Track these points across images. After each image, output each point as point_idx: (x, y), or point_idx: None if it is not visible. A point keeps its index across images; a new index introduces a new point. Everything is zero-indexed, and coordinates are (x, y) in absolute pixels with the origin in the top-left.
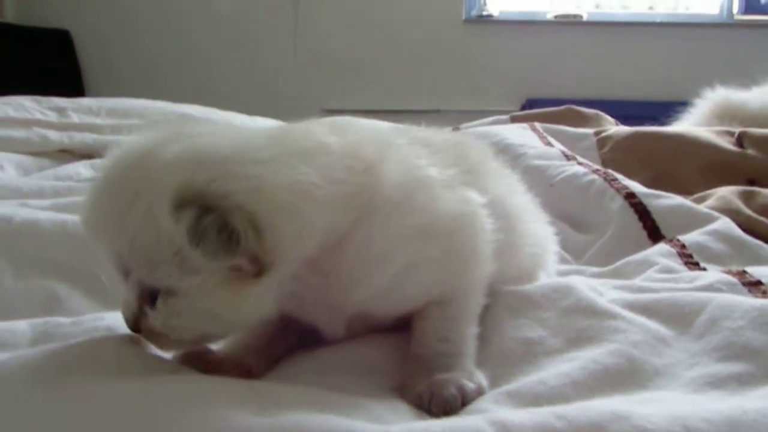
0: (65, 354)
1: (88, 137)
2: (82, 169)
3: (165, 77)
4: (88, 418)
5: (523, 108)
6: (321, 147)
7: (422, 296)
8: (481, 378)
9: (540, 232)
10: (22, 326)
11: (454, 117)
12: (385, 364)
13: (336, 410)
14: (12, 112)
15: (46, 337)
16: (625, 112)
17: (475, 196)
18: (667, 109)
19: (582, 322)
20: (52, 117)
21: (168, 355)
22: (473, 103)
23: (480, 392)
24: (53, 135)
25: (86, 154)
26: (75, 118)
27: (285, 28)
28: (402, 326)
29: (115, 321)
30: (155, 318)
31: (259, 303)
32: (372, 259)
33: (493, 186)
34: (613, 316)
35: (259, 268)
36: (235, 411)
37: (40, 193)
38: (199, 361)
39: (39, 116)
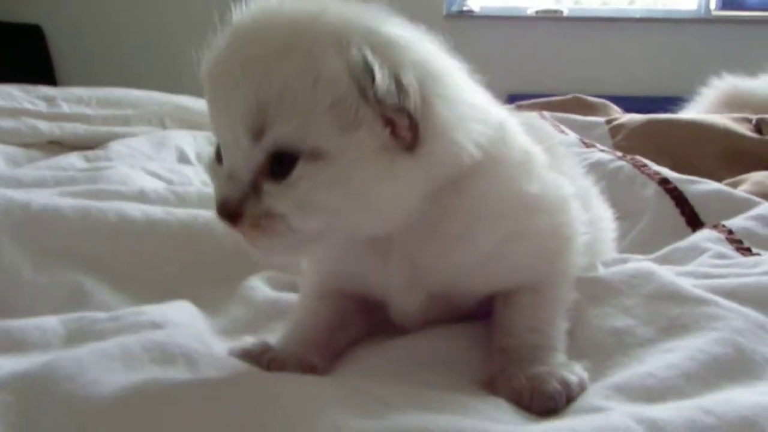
0: (123, 354)
1: (79, 128)
2: (75, 160)
3: (137, 71)
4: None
5: (505, 103)
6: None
7: (517, 275)
8: (581, 370)
9: (604, 214)
10: (52, 323)
11: None
12: (463, 357)
13: (447, 410)
14: (0, 102)
15: (82, 335)
16: None
17: (566, 183)
18: (646, 104)
19: (672, 310)
20: (42, 106)
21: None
22: None
23: (582, 386)
24: (43, 125)
25: (76, 145)
26: (65, 107)
27: None
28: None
29: (159, 316)
30: (281, 194)
31: (405, 189)
32: (483, 215)
33: (567, 169)
34: (705, 301)
35: (413, 140)
36: (348, 414)
37: (41, 183)
38: (260, 358)
39: (28, 106)
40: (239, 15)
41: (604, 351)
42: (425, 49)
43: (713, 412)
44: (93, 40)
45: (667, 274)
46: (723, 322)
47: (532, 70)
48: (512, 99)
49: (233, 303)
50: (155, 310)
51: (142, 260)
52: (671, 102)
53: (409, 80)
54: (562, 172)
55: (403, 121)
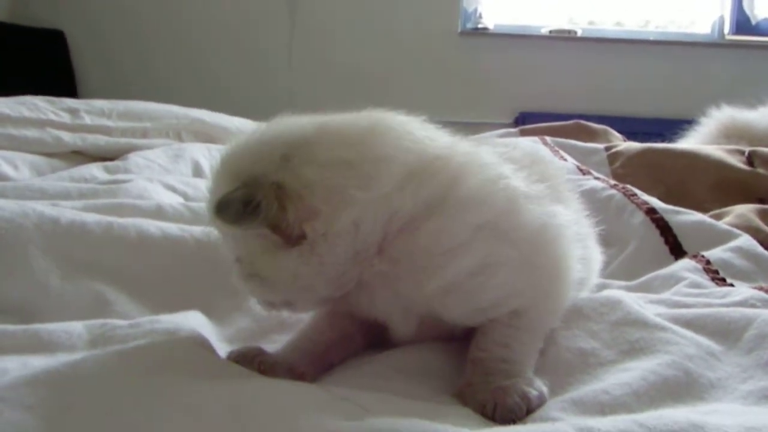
0: (139, 356)
1: (101, 139)
2: (95, 171)
3: (158, 78)
4: (187, 421)
5: (516, 121)
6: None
7: (500, 304)
8: (542, 385)
9: (596, 256)
10: (77, 328)
11: (447, 129)
12: (443, 369)
13: (420, 415)
14: (26, 112)
15: (104, 339)
16: (616, 127)
17: (562, 211)
18: (657, 125)
19: (633, 334)
20: (65, 118)
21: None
22: (466, 115)
23: (542, 400)
24: (66, 136)
25: (97, 155)
26: (87, 119)
27: (281, 37)
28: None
29: (172, 324)
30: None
31: (300, 271)
32: (443, 249)
33: (572, 206)
34: (663, 328)
35: (287, 238)
36: (328, 416)
37: (65, 195)
38: (251, 362)
39: (52, 117)
40: None
41: (568, 369)
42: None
43: (645, 425)
44: (115, 46)
45: (632, 303)
46: (677, 347)
47: (544, 89)
48: (524, 117)
49: (239, 315)
50: (169, 319)
51: (159, 273)
52: (683, 124)
53: (268, 198)
54: (567, 207)
55: (264, 230)
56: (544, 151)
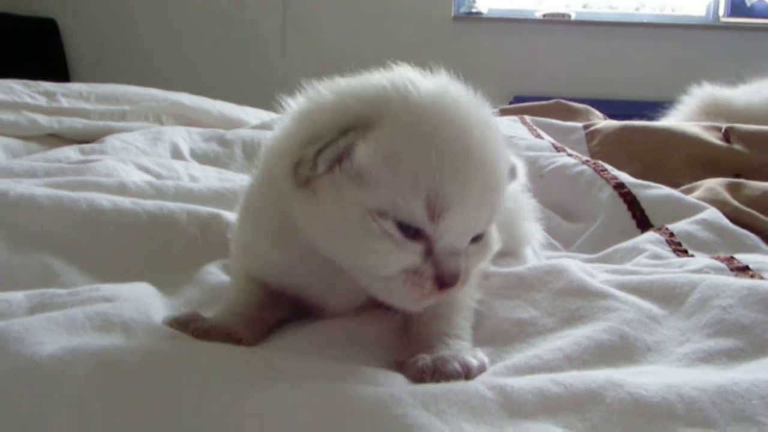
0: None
1: (78, 122)
2: (71, 153)
3: (151, 66)
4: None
5: (511, 105)
6: None
7: None
8: (483, 356)
9: (530, 231)
10: (18, 297)
11: None
12: (385, 339)
13: (335, 378)
14: (1, 95)
15: (43, 307)
16: (610, 110)
17: None
18: (652, 109)
19: (574, 303)
20: (42, 101)
21: None
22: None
23: (482, 369)
24: (42, 119)
25: (74, 139)
26: (64, 102)
27: (274, 21)
28: None
29: (112, 292)
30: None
31: None
32: None
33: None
34: (605, 295)
35: None
36: (235, 376)
37: (31, 174)
38: (186, 327)
39: (28, 100)
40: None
41: (506, 339)
42: None
43: (562, 383)
44: (107, 35)
45: (577, 271)
46: (615, 314)
47: (538, 73)
48: (518, 101)
49: (190, 286)
50: (110, 288)
51: (110, 246)
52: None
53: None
54: None
55: None
56: (522, 130)
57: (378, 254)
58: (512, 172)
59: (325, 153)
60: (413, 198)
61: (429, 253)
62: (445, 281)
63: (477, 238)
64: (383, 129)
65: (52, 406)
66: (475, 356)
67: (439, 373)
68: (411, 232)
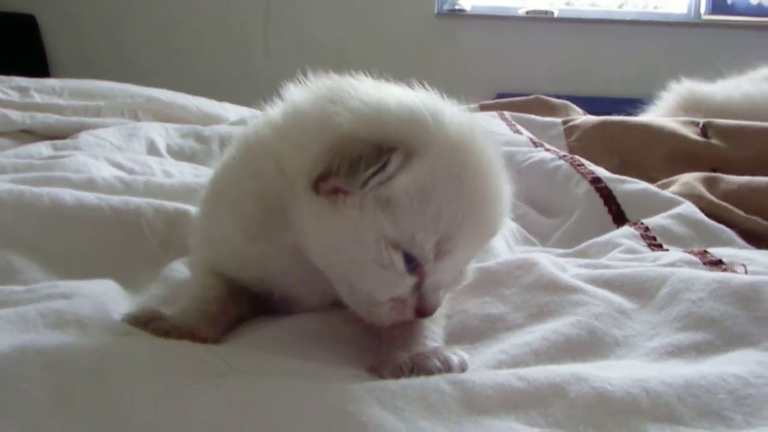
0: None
1: (51, 118)
2: (43, 149)
3: (132, 64)
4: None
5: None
6: None
7: None
8: (464, 353)
9: None
10: None
11: None
12: (354, 336)
13: (292, 375)
14: None
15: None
16: (593, 108)
17: None
18: (635, 106)
19: (544, 298)
20: (14, 96)
21: None
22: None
23: (463, 366)
24: (14, 115)
25: (48, 135)
26: (37, 98)
27: (257, 18)
28: None
29: (71, 289)
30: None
31: None
32: None
33: None
34: (575, 290)
35: None
36: (188, 373)
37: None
38: (146, 325)
39: (0, 95)
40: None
41: (475, 335)
42: None
43: (525, 378)
44: (87, 31)
45: (548, 265)
46: (585, 308)
47: (521, 70)
48: (500, 97)
49: (155, 282)
50: (69, 284)
51: (73, 243)
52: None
53: None
54: None
55: None
56: (501, 125)
57: (378, 283)
58: None
59: (378, 177)
60: (431, 236)
61: (418, 286)
62: (423, 313)
63: None
64: (425, 162)
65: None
66: (455, 353)
67: (418, 369)
68: (412, 265)
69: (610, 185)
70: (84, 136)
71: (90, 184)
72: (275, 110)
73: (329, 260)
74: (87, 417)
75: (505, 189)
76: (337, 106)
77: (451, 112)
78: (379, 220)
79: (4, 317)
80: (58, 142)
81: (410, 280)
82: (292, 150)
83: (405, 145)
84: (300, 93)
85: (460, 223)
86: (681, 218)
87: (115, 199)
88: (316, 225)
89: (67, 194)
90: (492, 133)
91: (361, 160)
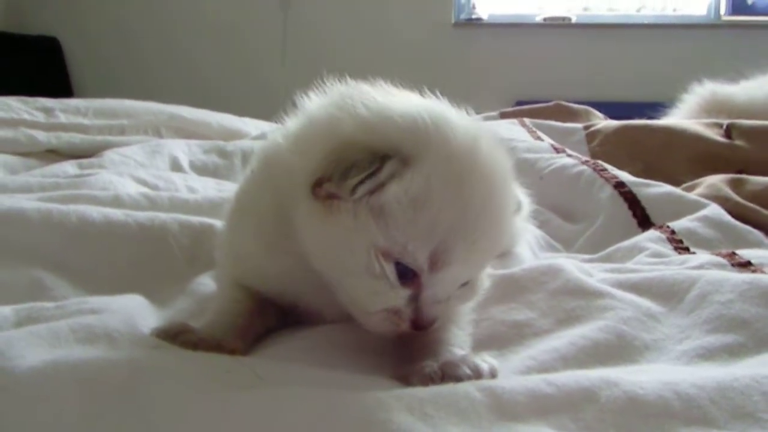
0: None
1: (76, 137)
2: (69, 168)
3: (154, 83)
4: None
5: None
6: None
7: None
8: (493, 360)
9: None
10: (5, 311)
11: None
12: (378, 346)
13: (327, 385)
14: None
15: (29, 321)
16: (614, 113)
17: None
18: (656, 110)
19: (570, 303)
20: (40, 117)
21: None
22: (463, 105)
23: (493, 373)
24: (40, 135)
25: (73, 154)
26: (62, 118)
27: (274, 31)
28: None
29: (100, 304)
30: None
31: None
32: None
33: None
34: (602, 295)
35: None
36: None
37: (26, 189)
38: (174, 339)
39: (26, 116)
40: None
41: (502, 342)
42: None
43: (554, 383)
44: (109, 52)
45: (573, 270)
46: (613, 312)
47: (540, 77)
48: (520, 105)
49: (182, 296)
50: (98, 300)
51: (101, 259)
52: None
53: None
54: None
55: None
56: (521, 132)
57: (368, 293)
58: (517, 207)
59: (367, 184)
60: (423, 246)
61: (414, 298)
62: (420, 325)
63: (465, 283)
64: (419, 172)
65: (33, 422)
66: (485, 360)
67: (448, 378)
68: (406, 276)
69: (634, 189)
70: (108, 155)
71: (116, 201)
72: (292, 121)
73: (325, 266)
74: (118, 430)
75: (508, 201)
76: (343, 112)
77: (458, 121)
78: (370, 229)
79: (36, 333)
80: (84, 161)
81: (404, 292)
82: (300, 157)
83: (403, 153)
84: (315, 101)
85: (457, 235)
86: (707, 220)
87: (141, 215)
88: (312, 230)
89: (94, 211)
90: (508, 141)
91: (353, 166)
